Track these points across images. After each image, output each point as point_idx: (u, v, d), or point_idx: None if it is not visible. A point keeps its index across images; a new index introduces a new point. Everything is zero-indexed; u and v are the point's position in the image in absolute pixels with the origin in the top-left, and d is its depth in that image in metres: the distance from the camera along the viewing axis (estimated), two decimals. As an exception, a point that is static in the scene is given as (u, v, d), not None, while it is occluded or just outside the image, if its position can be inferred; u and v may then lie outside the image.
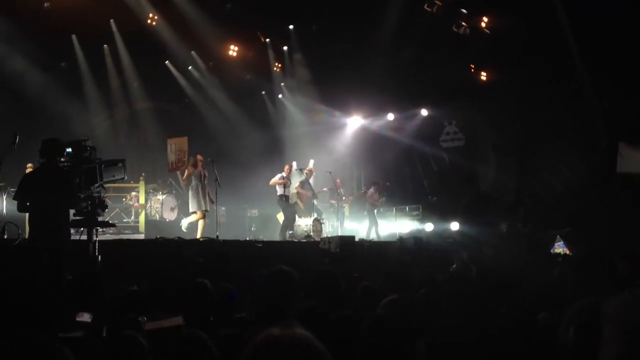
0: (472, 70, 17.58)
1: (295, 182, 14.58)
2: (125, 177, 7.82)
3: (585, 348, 2.39)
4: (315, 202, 14.76)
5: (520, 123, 16.55)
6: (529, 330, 3.61)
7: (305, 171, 14.79)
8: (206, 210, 11.80)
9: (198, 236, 11.34)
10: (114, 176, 7.32)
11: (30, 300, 4.48)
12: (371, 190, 16.09)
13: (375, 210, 15.95)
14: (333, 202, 15.06)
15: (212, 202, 11.82)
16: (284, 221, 13.76)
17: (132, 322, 3.51)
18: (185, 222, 12.10)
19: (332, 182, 15.13)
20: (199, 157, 12.03)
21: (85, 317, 4.35)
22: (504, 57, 15.72)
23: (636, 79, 12.83)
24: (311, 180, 14.88)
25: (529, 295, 4.67)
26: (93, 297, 4.40)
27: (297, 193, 14.41)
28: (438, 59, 16.02)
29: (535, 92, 15.47)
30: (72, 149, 7.10)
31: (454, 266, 7.96)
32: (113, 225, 8.42)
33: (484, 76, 17.61)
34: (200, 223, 11.74)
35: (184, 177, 12.07)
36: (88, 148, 7.26)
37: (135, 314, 3.87)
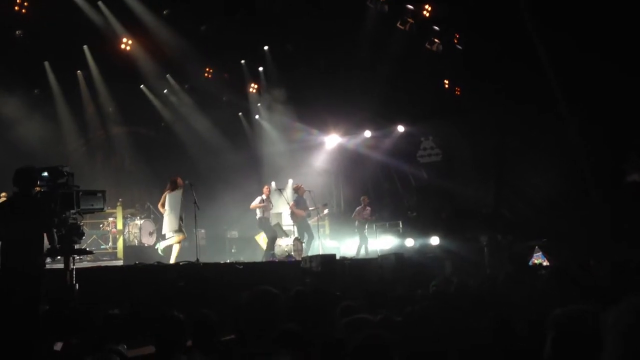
0: (446, 86, 17.82)
1: (275, 203, 14.54)
2: (105, 209, 7.74)
3: (563, 357, 2.41)
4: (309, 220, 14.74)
5: (496, 136, 16.78)
6: (509, 343, 3.62)
7: (294, 187, 14.80)
8: (183, 233, 11.64)
9: (172, 261, 11.15)
10: (92, 205, 7.23)
11: (5, 331, 4.38)
12: (359, 207, 16.15)
13: (367, 226, 16.02)
14: (313, 220, 15.06)
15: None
16: (268, 243, 13.69)
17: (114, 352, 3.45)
18: (162, 245, 11.81)
19: (313, 202, 15.12)
20: (179, 180, 11.85)
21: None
22: (477, 72, 15.96)
23: (609, 94, 13.16)
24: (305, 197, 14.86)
25: (509, 308, 4.68)
26: (71, 327, 4.33)
27: (292, 212, 14.35)
28: (412, 76, 16.23)
29: (510, 107, 15.70)
30: (48, 174, 7.02)
31: (435, 282, 7.97)
32: (90, 252, 8.29)
33: (458, 92, 17.85)
34: (177, 247, 11.56)
35: (160, 201, 11.88)
36: (65, 173, 7.17)
37: (115, 342, 3.81)
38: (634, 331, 1.32)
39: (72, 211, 6.91)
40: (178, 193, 11.60)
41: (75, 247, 6.84)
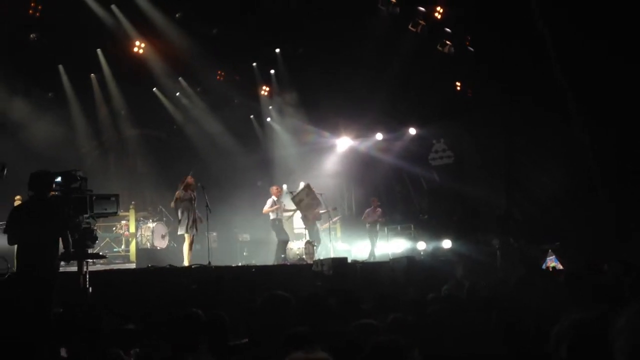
0: (458, 88, 17.76)
1: (288, 204, 14.57)
2: (118, 212, 7.80)
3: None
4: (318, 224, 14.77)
5: (506, 138, 16.70)
6: (519, 347, 3.60)
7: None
8: (194, 235, 11.64)
9: (185, 263, 11.17)
10: (105, 209, 7.30)
11: (17, 334, 4.40)
12: (369, 209, 16.15)
13: (378, 227, 15.99)
14: (325, 225, 15.11)
15: (200, 221, 11.67)
16: (279, 244, 13.72)
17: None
18: (185, 261, 11.69)
19: (324, 204, 15.12)
20: (190, 179, 11.88)
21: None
22: (488, 74, 15.88)
23: (617, 96, 13.09)
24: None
25: (522, 312, 4.66)
26: (84, 330, 4.35)
27: (304, 215, 14.37)
28: (424, 78, 16.19)
29: (521, 109, 15.63)
30: (61, 179, 7.08)
31: (446, 286, 7.94)
32: (104, 257, 8.36)
33: (469, 94, 17.78)
34: (186, 248, 11.56)
35: (173, 201, 11.89)
36: (79, 178, 7.24)
37: (126, 347, 3.83)
38: None
39: (85, 215, 6.97)
40: (189, 193, 11.68)
41: (89, 252, 6.90)
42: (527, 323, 4.11)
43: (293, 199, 14.10)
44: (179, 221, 11.67)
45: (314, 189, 14.69)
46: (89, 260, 6.96)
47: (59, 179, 7.01)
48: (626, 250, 11.38)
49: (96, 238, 7.01)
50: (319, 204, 14.59)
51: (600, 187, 14.18)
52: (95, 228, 7.24)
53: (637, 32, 12.44)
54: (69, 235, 6.57)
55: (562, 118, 14.78)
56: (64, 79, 14.95)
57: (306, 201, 14.12)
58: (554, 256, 13.45)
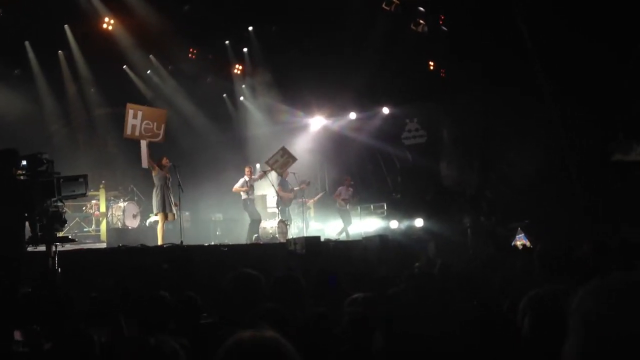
0: (431, 67, 17.79)
1: (259, 185, 14.53)
2: (87, 194, 7.67)
3: (541, 337, 2.43)
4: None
5: (479, 118, 16.82)
6: (492, 323, 3.65)
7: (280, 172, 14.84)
8: (167, 213, 11.58)
9: (159, 242, 11.15)
10: (73, 191, 7.17)
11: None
12: (340, 188, 16.12)
13: (348, 207, 15.99)
14: (311, 201, 15.18)
15: (175, 205, 11.65)
16: (251, 224, 13.73)
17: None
18: (151, 219, 11.75)
19: (297, 184, 15.11)
20: (165, 160, 11.85)
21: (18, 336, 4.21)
22: (462, 54, 15.93)
23: (590, 79, 13.27)
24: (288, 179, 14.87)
25: (492, 289, 4.73)
26: (52, 310, 4.30)
27: (279, 196, 14.36)
28: (397, 58, 16.16)
29: (494, 89, 15.73)
30: (27, 162, 6.92)
31: (418, 264, 8.02)
32: (73, 240, 8.22)
33: (442, 73, 17.84)
34: (159, 228, 11.54)
35: (154, 170, 11.73)
36: (45, 161, 7.09)
37: (95, 326, 3.79)
38: (595, 316, 1.29)
39: (53, 199, 6.85)
40: (164, 173, 11.64)
41: (58, 235, 6.79)
42: (496, 300, 4.17)
43: (267, 162, 14.18)
44: (155, 201, 11.61)
45: (286, 171, 14.67)
46: (57, 244, 6.85)
47: (24, 162, 6.86)
48: (597, 231, 11.61)
49: (65, 221, 6.91)
50: (295, 160, 14.60)
51: (573, 169, 14.44)
52: (64, 210, 7.13)
53: (613, 17, 12.59)
54: (36, 219, 6.45)
55: (537, 99, 14.92)
56: (31, 56, 14.59)
57: (281, 161, 14.13)
58: (522, 234, 13.68)
